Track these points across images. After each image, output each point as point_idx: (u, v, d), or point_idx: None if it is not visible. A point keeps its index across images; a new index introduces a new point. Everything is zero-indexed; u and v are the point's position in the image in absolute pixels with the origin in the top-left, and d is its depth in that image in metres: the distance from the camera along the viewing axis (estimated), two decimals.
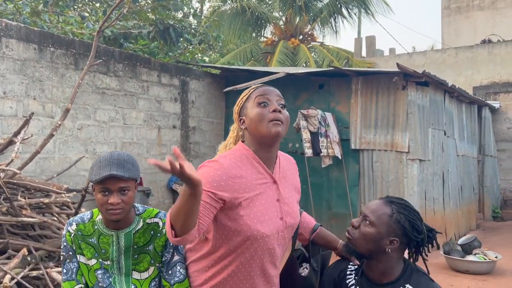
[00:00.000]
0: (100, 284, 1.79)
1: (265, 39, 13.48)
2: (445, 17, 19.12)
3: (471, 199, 8.23)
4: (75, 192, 4.64)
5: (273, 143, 1.66)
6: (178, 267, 1.83)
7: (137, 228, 1.81)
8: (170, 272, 1.83)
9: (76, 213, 3.77)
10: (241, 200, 1.59)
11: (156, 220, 1.84)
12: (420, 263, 1.77)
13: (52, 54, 5.31)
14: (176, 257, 1.84)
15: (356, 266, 1.83)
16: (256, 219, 1.60)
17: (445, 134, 7.02)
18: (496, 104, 9.56)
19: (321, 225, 1.98)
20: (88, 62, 3.52)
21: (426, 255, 1.78)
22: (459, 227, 7.41)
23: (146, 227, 1.82)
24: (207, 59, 11.99)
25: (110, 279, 1.79)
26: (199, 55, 8.98)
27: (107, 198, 1.69)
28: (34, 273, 3.33)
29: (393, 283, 1.70)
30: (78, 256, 1.81)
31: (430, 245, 1.77)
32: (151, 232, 1.82)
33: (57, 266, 3.65)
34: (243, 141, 1.72)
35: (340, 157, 6.35)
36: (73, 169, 5.20)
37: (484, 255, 5.16)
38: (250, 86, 1.78)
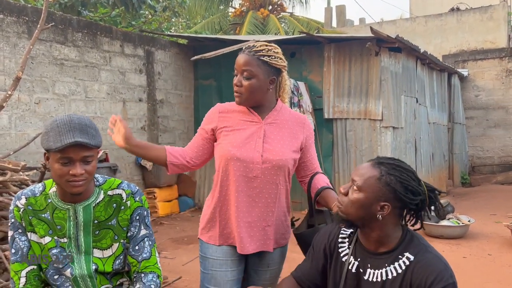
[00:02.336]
0: (55, 265, 1.57)
1: (233, 9, 13.06)
2: None
3: (441, 166, 8.34)
4: (35, 170, 4.33)
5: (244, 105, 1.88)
6: (146, 243, 1.65)
7: (97, 201, 1.59)
8: (136, 247, 1.63)
9: None
10: (224, 130, 1.84)
11: (118, 191, 1.63)
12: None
13: (2, 22, 4.86)
14: (143, 231, 1.65)
15: (349, 232, 1.67)
16: (230, 144, 1.81)
17: (417, 101, 7.00)
18: (464, 72, 9.63)
19: (331, 188, 1.93)
20: (38, 26, 3.18)
21: (429, 218, 1.63)
22: None
23: (108, 199, 1.61)
24: (173, 30, 11.52)
25: (67, 258, 1.57)
26: (165, 24, 8.54)
27: (68, 169, 1.45)
28: None
29: (391, 252, 1.54)
30: (29, 234, 1.57)
31: (433, 207, 1.60)
32: (114, 205, 1.61)
33: None
34: None
35: (313, 127, 6.22)
36: (32, 146, 4.85)
37: (457, 219, 5.20)
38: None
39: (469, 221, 5.22)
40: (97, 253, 1.60)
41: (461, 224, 5.12)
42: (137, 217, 1.64)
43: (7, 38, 4.91)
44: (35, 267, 1.58)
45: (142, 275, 1.62)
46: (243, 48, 1.84)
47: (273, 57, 1.81)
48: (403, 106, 6.41)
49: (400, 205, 1.52)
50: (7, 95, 3.03)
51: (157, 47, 6.88)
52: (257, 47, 1.81)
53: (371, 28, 5.43)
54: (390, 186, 1.50)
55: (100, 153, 5.50)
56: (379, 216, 1.52)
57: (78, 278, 1.58)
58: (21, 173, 3.88)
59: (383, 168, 1.52)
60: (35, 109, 5.19)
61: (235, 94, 1.83)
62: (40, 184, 1.63)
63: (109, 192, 1.61)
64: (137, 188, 1.69)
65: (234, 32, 12.44)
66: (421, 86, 7.25)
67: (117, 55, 6.22)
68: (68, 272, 1.57)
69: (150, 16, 7.66)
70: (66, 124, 1.45)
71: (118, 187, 1.63)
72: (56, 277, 1.58)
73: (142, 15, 7.36)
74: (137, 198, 1.65)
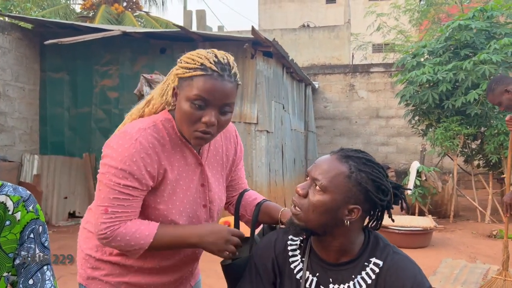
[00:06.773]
0: None
1: (82, 1, 11.78)
2: (261, 4, 20.38)
3: (301, 171, 8.74)
4: None
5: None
6: (46, 274, 1.10)
7: None
8: (31, 281, 1.07)
9: None
10: (162, 186, 1.35)
11: (0, 198, 1.03)
12: None
13: None
14: (40, 256, 1.10)
15: (298, 242, 1.35)
16: (175, 210, 1.36)
17: (283, 108, 7.17)
18: (316, 84, 10.39)
19: (266, 200, 1.55)
20: None
21: (392, 220, 1.40)
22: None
23: None
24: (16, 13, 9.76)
25: None
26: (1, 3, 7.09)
27: None
28: None
29: (355, 260, 1.27)
30: None
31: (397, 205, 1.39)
32: None
33: None
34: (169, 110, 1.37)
35: None
36: None
37: None
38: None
39: None
40: None
41: None
42: (31, 235, 1.09)
43: None
44: None
45: None
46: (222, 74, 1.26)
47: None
48: (273, 111, 6.48)
49: (369, 207, 1.27)
50: None
51: None
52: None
53: (252, 28, 5.32)
54: (361, 186, 1.22)
55: None
56: (346, 222, 1.24)
57: None
58: None
59: (352, 163, 1.24)
60: None
61: (199, 135, 1.29)
62: None
63: None
64: (29, 192, 1.12)
65: None
66: (286, 93, 7.48)
67: None
68: None
69: None
70: None
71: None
72: None
73: None
74: (30, 207, 1.10)
